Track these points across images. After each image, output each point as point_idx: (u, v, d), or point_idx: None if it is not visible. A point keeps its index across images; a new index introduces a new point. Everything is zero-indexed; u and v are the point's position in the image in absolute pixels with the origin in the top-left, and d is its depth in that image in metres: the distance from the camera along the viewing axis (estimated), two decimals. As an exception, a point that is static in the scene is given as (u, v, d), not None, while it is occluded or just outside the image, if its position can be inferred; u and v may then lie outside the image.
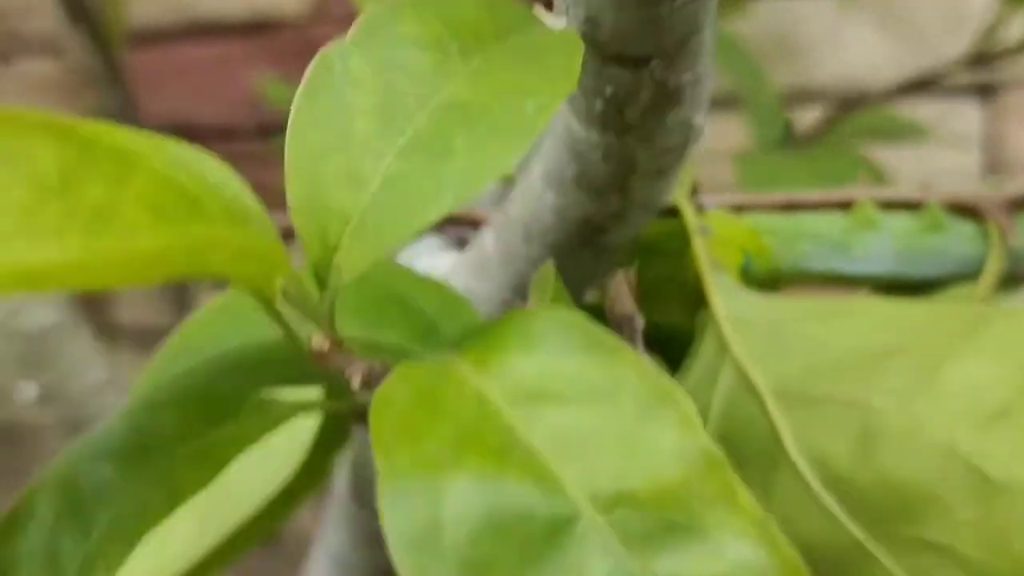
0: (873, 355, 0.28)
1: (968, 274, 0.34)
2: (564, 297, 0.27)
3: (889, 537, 0.25)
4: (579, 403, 0.19)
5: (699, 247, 0.32)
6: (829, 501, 0.26)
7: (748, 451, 0.28)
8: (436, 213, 0.20)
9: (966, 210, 0.33)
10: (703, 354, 0.31)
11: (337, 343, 0.22)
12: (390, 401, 0.20)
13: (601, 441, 0.19)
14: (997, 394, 0.25)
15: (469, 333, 0.26)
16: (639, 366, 0.19)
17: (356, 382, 0.22)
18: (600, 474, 0.18)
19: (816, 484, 0.26)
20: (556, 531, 0.18)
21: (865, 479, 0.26)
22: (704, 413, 0.29)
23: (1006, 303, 0.33)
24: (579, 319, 0.20)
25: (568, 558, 0.18)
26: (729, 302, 0.31)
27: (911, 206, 0.34)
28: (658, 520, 0.18)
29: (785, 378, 0.28)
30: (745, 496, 0.18)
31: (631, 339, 0.27)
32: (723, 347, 0.30)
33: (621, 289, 0.26)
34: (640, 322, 0.27)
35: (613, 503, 0.18)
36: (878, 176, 0.53)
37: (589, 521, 0.18)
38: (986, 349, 0.27)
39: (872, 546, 0.26)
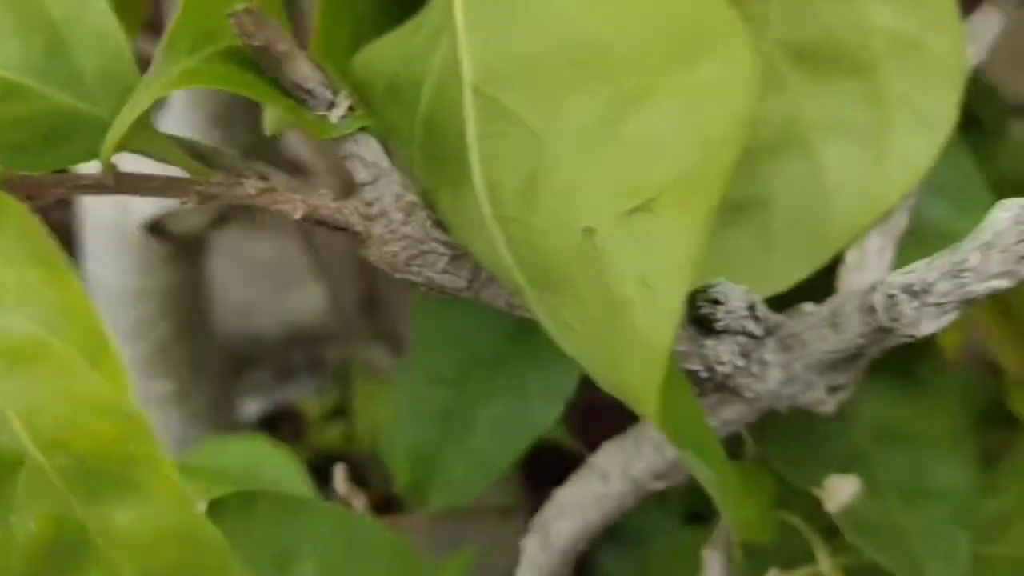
0: (585, 63, 0.23)
1: None
2: None
3: (540, 299, 0.24)
4: (28, 318, 0.18)
5: None
6: (498, 237, 0.25)
7: (447, 148, 0.26)
8: None
9: None
10: (433, 13, 0.26)
11: None
12: None
13: (45, 384, 0.18)
14: (657, 175, 0.22)
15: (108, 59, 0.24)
16: (84, 305, 0.18)
17: None
18: (45, 416, 0.18)
19: (489, 214, 0.25)
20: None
21: (522, 235, 0.24)
22: (419, 82, 0.26)
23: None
24: (36, 228, 0.18)
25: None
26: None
27: None
28: (99, 471, 0.18)
29: (495, 65, 0.25)
30: (167, 463, 0.18)
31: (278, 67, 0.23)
32: (449, 10, 0.25)
33: (243, 24, 0.22)
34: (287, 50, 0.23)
35: (55, 447, 0.19)
36: None
37: (35, 462, 0.19)
38: (683, 91, 0.22)
39: (531, 296, 0.24)
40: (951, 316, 0.24)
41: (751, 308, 0.26)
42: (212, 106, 0.40)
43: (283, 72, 0.23)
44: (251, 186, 0.25)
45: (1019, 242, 0.23)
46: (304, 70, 0.24)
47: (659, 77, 0.22)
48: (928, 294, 0.24)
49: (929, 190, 0.31)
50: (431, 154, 0.26)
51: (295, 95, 0.24)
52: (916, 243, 0.31)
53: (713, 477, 0.24)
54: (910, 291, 0.24)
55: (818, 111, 0.27)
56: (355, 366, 1.01)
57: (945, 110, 0.27)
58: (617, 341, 0.22)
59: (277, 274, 0.97)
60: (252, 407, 0.94)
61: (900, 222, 0.29)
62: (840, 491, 0.33)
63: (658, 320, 0.21)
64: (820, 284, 0.29)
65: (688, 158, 0.22)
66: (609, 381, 0.22)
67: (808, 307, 0.28)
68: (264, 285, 0.99)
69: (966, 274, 0.24)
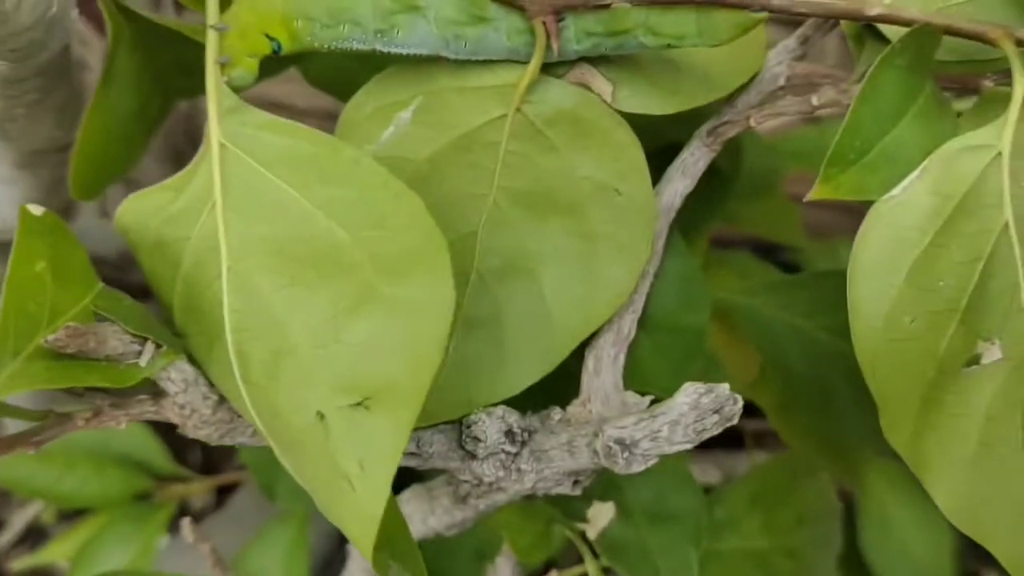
0: (323, 260, 0.27)
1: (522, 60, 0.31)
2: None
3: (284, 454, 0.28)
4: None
5: (209, 48, 0.29)
6: (246, 397, 0.28)
7: (204, 305, 0.29)
8: None
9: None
10: (196, 182, 0.29)
11: None
12: None
13: None
14: (372, 380, 0.26)
15: None
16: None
17: None
18: None
19: (238, 375, 0.28)
20: None
21: (266, 400, 0.28)
22: (182, 243, 0.30)
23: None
24: None
25: None
26: (229, 131, 0.29)
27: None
28: None
29: (249, 247, 0.28)
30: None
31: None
32: (210, 187, 0.29)
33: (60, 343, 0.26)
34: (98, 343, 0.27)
35: None
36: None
37: None
38: (395, 306, 0.26)
39: (276, 449, 0.28)
40: (653, 462, 0.30)
41: (508, 432, 0.31)
42: (13, 156, 0.41)
43: (98, 354, 0.27)
44: (80, 418, 0.29)
45: (696, 420, 0.29)
46: (114, 345, 0.27)
47: (377, 287, 0.27)
48: (635, 447, 0.30)
49: (661, 290, 0.36)
50: (189, 306, 0.30)
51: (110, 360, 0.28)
52: (650, 337, 0.37)
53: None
54: (622, 444, 0.30)
55: (537, 244, 0.32)
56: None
57: (641, 244, 0.32)
58: (342, 503, 0.26)
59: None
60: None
61: (629, 332, 0.34)
62: (599, 517, 0.39)
63: (372, 495, 0.25)
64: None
65: (395, 372, 0.26)
66: (337, 524, 0.27)
67: (556, 413, 0.33)
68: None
69: (660, 439, 0.30)
